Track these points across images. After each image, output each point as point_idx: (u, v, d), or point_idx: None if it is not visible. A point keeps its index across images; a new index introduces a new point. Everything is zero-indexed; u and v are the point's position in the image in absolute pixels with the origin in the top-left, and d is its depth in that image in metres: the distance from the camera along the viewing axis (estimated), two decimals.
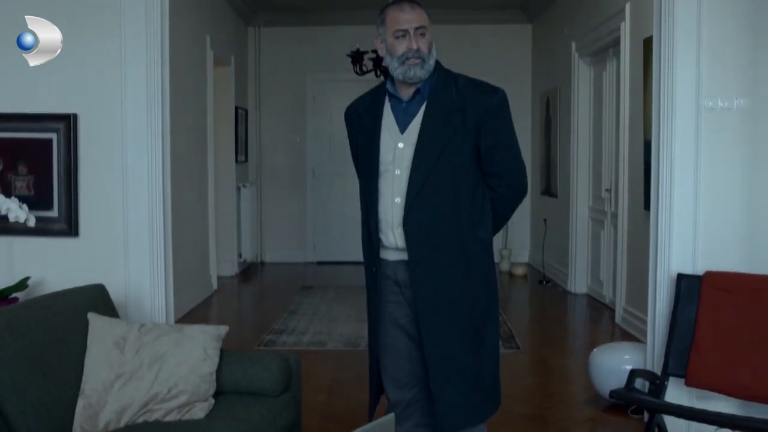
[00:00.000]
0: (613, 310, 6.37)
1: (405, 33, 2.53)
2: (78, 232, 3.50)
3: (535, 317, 6.92)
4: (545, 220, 8.29)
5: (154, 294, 3.51)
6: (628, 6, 5.86)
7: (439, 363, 2.58)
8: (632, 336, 5.63)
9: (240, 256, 8.79)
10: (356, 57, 6.83)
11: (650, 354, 3.58)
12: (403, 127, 2.61)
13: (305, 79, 9.51)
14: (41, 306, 2.77)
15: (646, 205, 5.41)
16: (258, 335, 5.71)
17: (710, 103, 3.46)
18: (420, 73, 2.55)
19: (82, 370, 2.75)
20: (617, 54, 6.29)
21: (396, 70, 2.56)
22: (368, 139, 2.66)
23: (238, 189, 8.71)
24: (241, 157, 9.00)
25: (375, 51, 6.80)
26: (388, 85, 2.67)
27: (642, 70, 5.46)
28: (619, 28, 6.04)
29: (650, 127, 5.35)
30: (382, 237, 2.65)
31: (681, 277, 3.37)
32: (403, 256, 2.61)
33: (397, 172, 2.59)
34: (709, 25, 3.43)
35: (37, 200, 3.49)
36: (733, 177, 3.47)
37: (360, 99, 2.80)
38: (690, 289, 3.33)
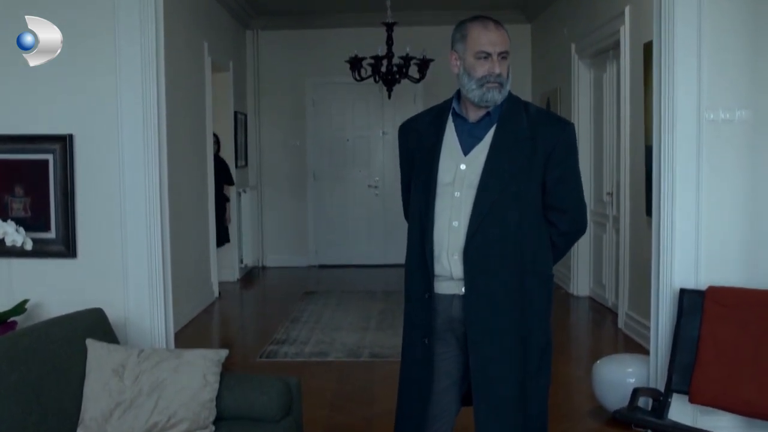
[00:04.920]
0: (615, 314, 6.35)
1: (488, 56, 2.44)
2: (76, 253, 3.48)
3: None
4: None
5: (154, 315, 3.49)
6: (627, 9, 5.82)
7: (486, 400, 2.48)
8: (635, 342, 5.61)
9: (241, 261, 8.78)
10: (354, 63, 6.78)
11: (653, 369, 3.56)
12: (466, 149, 2.51)
13: (304, 83, 9.48)
14: (38, 334, 2.75)
15: (648, 211, 5.38)
16: (260, 346, 5.69)
17: (711, 115, 3.43)
18: (497, 97, 2.46)
19: (81, 399, 2.74)
20: (617, 57, 6.25)
21: (472, 92, 2.46)
22: (427, 158, 2.54)
23: (239, 194, 8.69)
24: (241, 162, 8.98)
25: (374, 57, 6.77)
26: (454, 104, 2.57)
27: (642, 75, 5.43)
28: (618, 32, 6.00)
29: (651, 132, 5.35)
30: (436, 265, 2.49)
31: (683, 292, 3.35)
32: (457, 289, 2.49)
33: (457, 194, 2.48)
34: (710, 36, 3.40)
35: (34, 222, 3.46)
36: (734, 190, 3.44)
37: (419, 115, 2.71)
38: (693, 304, 3.31)
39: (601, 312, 6.75)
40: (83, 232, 3.49)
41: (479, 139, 2.51)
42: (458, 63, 2.51)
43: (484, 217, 2.44)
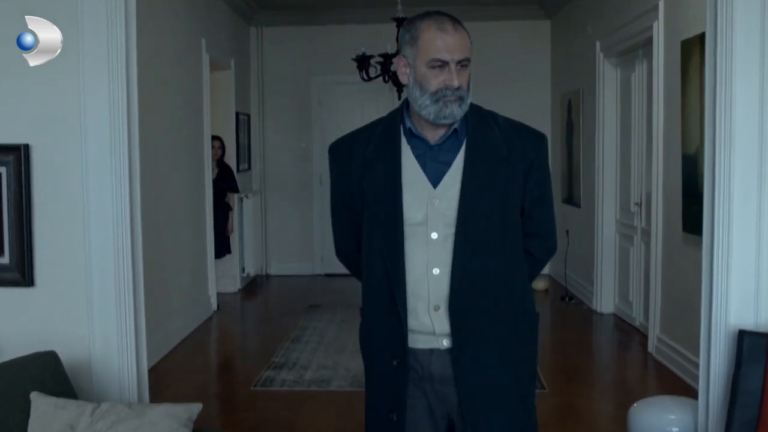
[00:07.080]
0: (644, 335, 5.84)
1: (444, 64, 1.97)
2: (33, 281, 3.01)
3: (559, 343, 6.16)
4: (567, 231, 7.70)
5: (123, 354, 3.00)
6: (661, 4, 5.29)
7: None
8: (668, 370, 5.10)
9: (243, 270, 8.32)
10: (362, 61, 6.29)
11: (703, 421, 3.04)
12: (435, 178, 2.05)
13: (310, 82, 8.99)
14: None
15: (686, 226, 4.88)
16: (256, 371, 5.19)
17: None
18: (457, 111, 1.99)
19: None
20: (648, 55, 5.73)
21: (426, 108, 1.99)
22: (384, 191, 2.06)
23: (241, 199, 8.22)
24: (244, 166, 8.52)
25: (382, 55, 6.27)
26: (407, 120, 2.08)
27: (680, 76, 4.91)
28: (651, 28, 5.46)
29: (689, 139, 4.83)
30: (411, 319, 2.05)
31: (743, 334, 2.83)
32: (435, 342, 2.06)
33: (434, 235, 2.03)
34: None
35: None
36: None
37: (358, 134, 2.19)
38: (755, 348, 2.79)
39: (628, 332, 6.22)
40: (42, 258, 3.01)
41: (447, 164, 2.05)
42: (407, 71, 2.03)
43: (468, 260, 2.01)
